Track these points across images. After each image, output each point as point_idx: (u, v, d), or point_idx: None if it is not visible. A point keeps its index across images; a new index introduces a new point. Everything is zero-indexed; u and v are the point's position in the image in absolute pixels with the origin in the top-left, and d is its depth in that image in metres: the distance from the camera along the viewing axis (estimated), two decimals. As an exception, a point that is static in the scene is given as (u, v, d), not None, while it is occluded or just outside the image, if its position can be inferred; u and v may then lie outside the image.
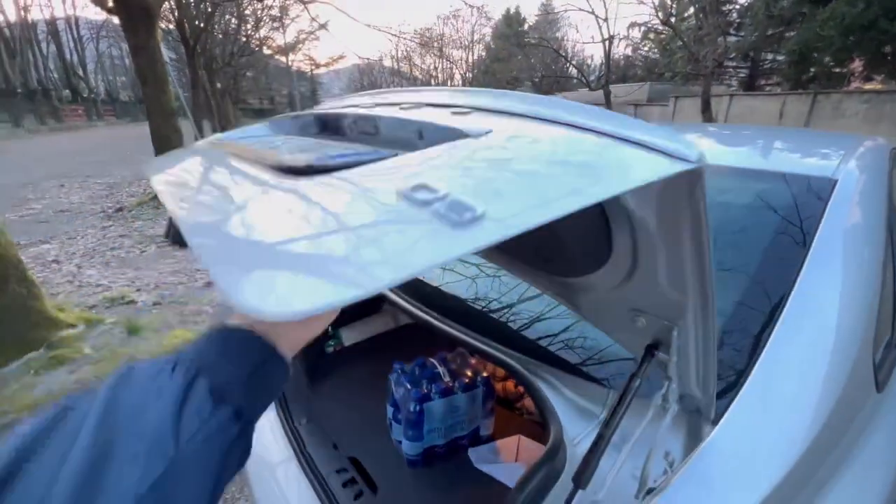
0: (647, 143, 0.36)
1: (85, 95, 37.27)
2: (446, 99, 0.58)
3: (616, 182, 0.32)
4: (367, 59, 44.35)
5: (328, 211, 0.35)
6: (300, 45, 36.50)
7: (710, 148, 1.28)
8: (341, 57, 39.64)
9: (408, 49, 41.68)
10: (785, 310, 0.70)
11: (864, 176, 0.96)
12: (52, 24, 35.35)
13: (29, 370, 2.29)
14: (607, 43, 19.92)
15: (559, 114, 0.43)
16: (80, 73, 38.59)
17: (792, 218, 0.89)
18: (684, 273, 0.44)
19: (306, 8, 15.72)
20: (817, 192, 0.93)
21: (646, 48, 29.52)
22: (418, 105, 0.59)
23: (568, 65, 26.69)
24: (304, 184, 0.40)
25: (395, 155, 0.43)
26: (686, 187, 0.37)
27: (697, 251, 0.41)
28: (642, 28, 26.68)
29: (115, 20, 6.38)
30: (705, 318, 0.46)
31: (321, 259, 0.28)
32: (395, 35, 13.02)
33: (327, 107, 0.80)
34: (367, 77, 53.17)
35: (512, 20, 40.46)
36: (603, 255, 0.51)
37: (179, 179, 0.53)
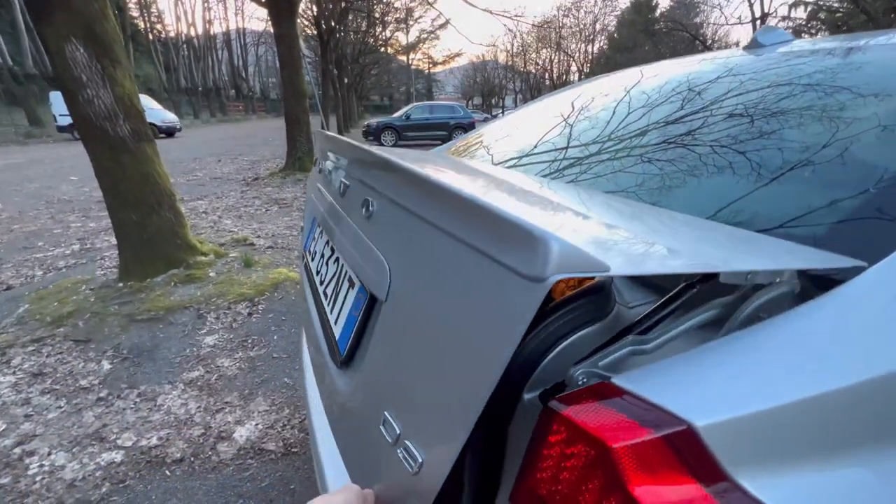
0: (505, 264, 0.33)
1: (245, 93, 44.33)
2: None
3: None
4: (483, 44, 44.63)
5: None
6: (420, 45, 38.47)
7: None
8: (457, 55, 40.72)
9: (524, 43, 40.94)
10: None
11: None
12: (226, 34, 42.68)
13: (171, 282, 2.77)
14: (758, 24, 17.09)
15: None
16: (243, 74, 45.93)
17: None
18: None
19: (432, 5, 16.42)
20: None
21: (812, 31, 24.64)
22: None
23: (705, 52, 23.54)
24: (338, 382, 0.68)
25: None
26: None
27: None
28: (810, 6, 22.27)
29: (271, 29, 7.38)
30: None
31: None
32: (512, 18, 12.80)
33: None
34: (481, 73, 53.75)
35: (641, 6, 37.14)
36: None
37: None
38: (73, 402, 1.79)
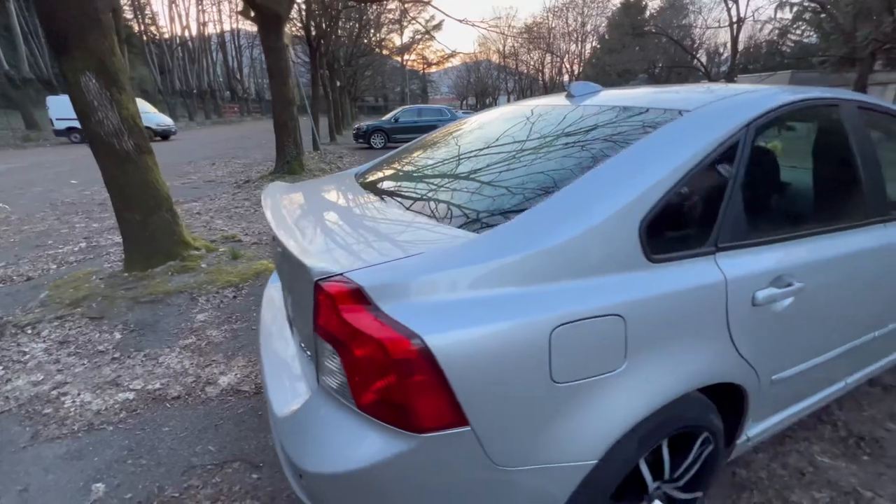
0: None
1: (240, 95, 44.66)
2: None
3: None
4: (474, 53, 45.18)
5: None
6: (415, 46, 38.96)
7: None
8: (452, 55, 41.21)
9: (515, 45, 41.50)
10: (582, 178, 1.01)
11: (716, 114, 1.14)
12: (221, 36, 42.99)
13: (168, 272, 3.27)
14: (735, 27, 17.70)
15: None
16: (238, 76, 46.24)
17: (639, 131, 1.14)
18: None
19: (411, 19, 16.85)
20: (665, 119, 1.14)
21: (798, 31, 25.30)
22: None
23: (690, 55, 24.16)
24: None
25: None
26: None
27: None
28: (794, 8, 22.80)
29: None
30: None
31: None
32: (501, 33, 13.32)
33: None
34: (474, 74, 54.37)
35: (631, 8, 37.78)
36: None
37: None
38: (93, 360, 2.30)
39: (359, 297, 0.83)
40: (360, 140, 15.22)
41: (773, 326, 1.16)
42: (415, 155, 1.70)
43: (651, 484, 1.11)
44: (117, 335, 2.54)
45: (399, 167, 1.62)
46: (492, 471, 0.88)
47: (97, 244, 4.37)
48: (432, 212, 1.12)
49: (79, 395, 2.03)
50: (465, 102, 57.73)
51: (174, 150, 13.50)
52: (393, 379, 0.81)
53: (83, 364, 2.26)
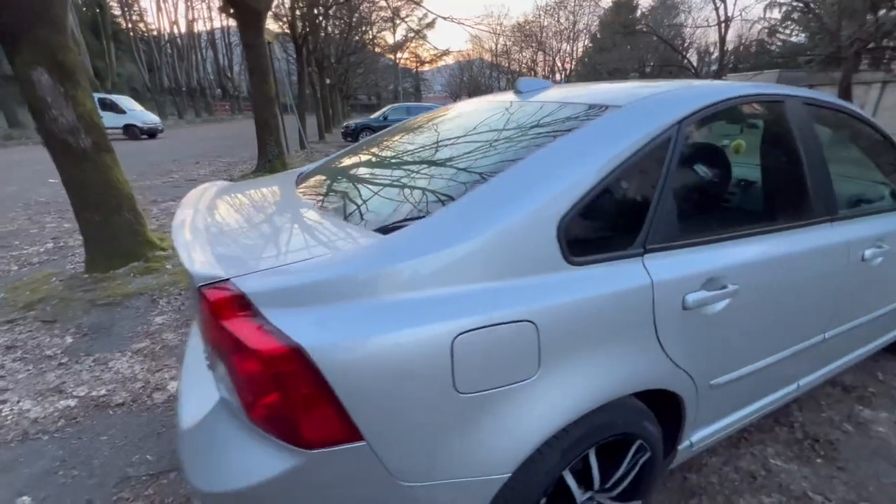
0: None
1: (230, 93, 44.18)
2: None
3: None
4: (468, 52, 45.12)
5: None
6: (408, 44, 38.72)
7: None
8: (445, 53, 41.02)
9: (507, 43, 41.48)
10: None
11: (644, 110, 1.10)
12: (210, 33, 42.49)
13: (131, 273, 3.19)
14: (723, 26, 17.77)
15: None
16: (229, 74, 45.73)
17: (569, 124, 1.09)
18: None
19: (402, 19, 16.74)
20: (594, 115, 1.10)
21: (787, 31, 25.45)
22: None
23: (679, 54, 24.22)
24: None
25: None
26: None
27: None
28: (784, 7, 22.87)
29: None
30: None
31: None
32: (493, 32, 13.30)
33: None
34: (467, 72, 54.23)
35: (622, 7, 37.80)
36: None
37: None
38: (39, 366, 2.21)
39: (243, 304, 0.77)
40: (349, 138, 15.11)
41: (707, 330, 1.12)
42: (356, 155, 1.64)
43: (580, 496, 1.07)
44: (69, 339, 2.46)
45: (335, 168, 1.56)
46: (394, 487, 0.83)
47: (65, 245, 4.27)
48: (348, 213, 1.07)
49: (18, 402, 1.95)
50: (458, 101, 57.52)
51: (161, 149, 13.31)
52: (277, 392, 0.76)
53: (28, 370, 2.18)
